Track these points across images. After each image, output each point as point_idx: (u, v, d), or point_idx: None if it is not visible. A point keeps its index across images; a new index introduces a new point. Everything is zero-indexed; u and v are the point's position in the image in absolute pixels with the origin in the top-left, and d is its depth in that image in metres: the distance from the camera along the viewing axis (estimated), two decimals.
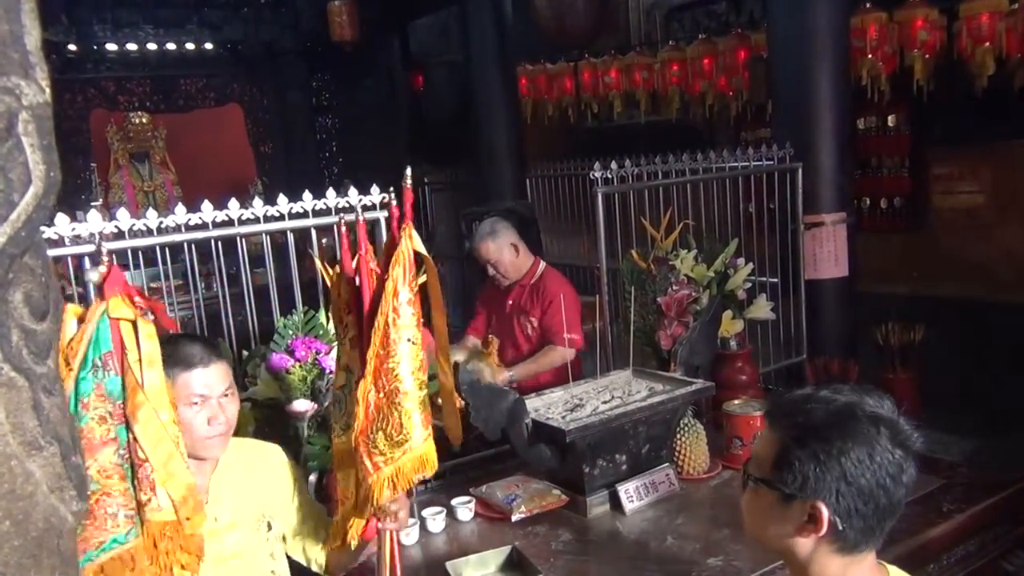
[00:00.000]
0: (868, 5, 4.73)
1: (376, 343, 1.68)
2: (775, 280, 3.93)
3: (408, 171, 1.75)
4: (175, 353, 1.73)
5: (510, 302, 3.61)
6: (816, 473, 1.22)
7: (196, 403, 1.77)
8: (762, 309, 3.43)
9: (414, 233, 1.72)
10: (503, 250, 3.53)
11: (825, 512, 1.22)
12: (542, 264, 3.65)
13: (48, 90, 0.53)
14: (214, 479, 1.88)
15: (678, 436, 2.74)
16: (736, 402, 2.87)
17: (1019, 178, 4.87)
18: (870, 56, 4.73)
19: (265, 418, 2.43)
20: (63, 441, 0.63)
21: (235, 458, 1.92)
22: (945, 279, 5.16)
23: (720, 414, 2.90)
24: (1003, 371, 4.80)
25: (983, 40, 4.42)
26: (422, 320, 1.72)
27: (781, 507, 1.27)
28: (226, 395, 1.82)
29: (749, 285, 3.36)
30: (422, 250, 1.72)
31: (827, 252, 4.07)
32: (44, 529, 0.60)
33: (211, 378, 1.79)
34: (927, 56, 4.70)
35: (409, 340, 1.68)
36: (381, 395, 1.68)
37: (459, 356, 3.17)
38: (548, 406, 2.70)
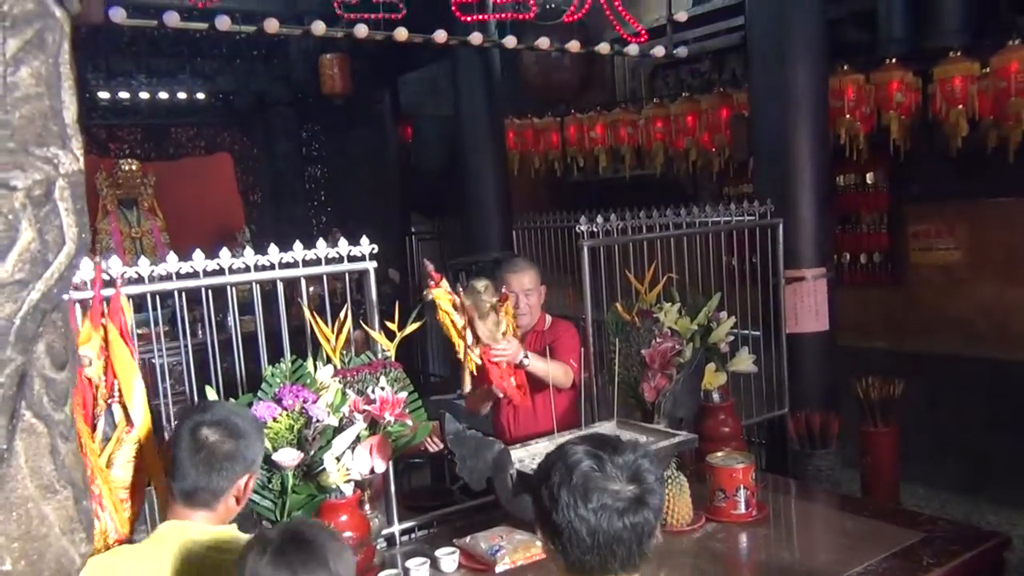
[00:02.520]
0: (846, 67, 4.87)
1: None
2: (757, 333, 3.98)
3: None
4: None
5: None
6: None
7: None
8: (745, 362, 3.48)
9: None
10: (538, 288, 3.44)
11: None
12: (548, 315, 3.65)
13: (82, 159, 0.58)
14: None
15: None
16: (719, 454, 2.89)
17: (993, 235, 4.99)
18: (848, 116, 4.86)
19: None
20: (76, 485, 0.65)
21: None
22: (923, 334, 5.24)
23: (704, 466, 2.92)
24: (981, 425, 4.85)
25: (956, 102, 4.56)
26: None
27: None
28: None
29: (732, 338, 3.41)
30: None
31: (808, 306, 4.14)
32: (55, 570, 0.63)
33: None
34: (903, 117, 4.83)
35: None
36: None
37: (479, 284, 3.04)
38: (533, 456, 2.71)
